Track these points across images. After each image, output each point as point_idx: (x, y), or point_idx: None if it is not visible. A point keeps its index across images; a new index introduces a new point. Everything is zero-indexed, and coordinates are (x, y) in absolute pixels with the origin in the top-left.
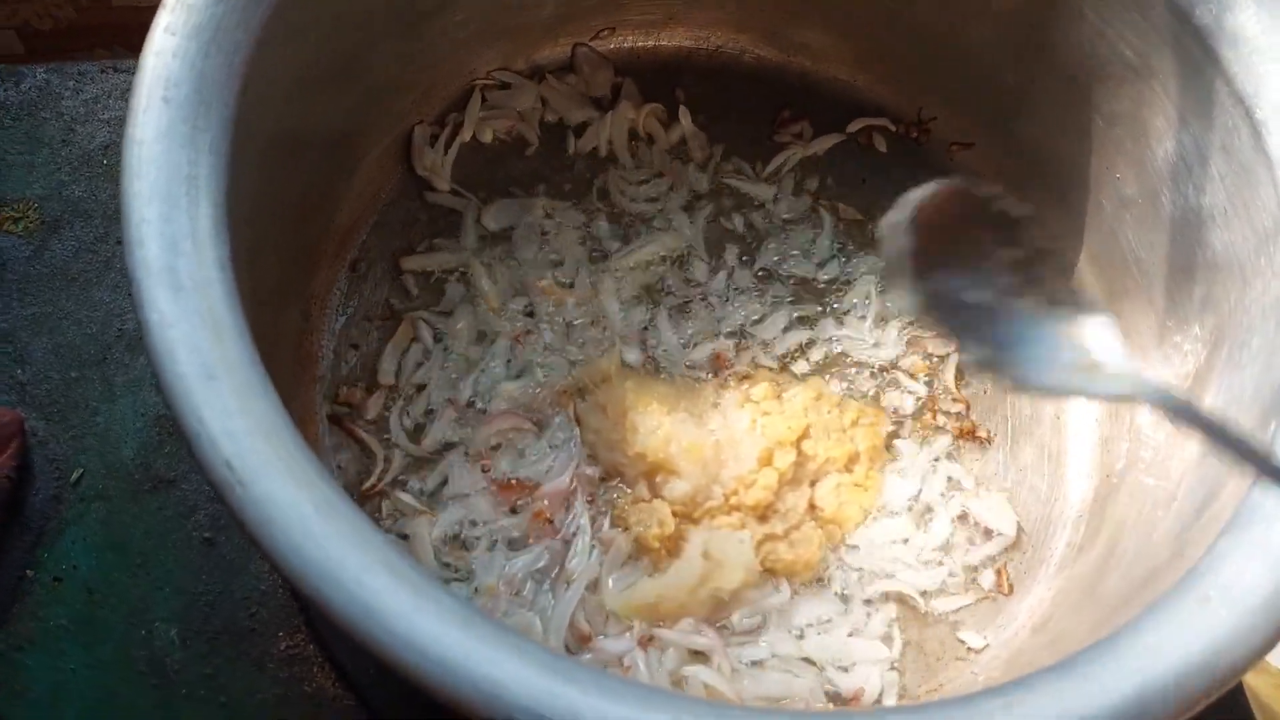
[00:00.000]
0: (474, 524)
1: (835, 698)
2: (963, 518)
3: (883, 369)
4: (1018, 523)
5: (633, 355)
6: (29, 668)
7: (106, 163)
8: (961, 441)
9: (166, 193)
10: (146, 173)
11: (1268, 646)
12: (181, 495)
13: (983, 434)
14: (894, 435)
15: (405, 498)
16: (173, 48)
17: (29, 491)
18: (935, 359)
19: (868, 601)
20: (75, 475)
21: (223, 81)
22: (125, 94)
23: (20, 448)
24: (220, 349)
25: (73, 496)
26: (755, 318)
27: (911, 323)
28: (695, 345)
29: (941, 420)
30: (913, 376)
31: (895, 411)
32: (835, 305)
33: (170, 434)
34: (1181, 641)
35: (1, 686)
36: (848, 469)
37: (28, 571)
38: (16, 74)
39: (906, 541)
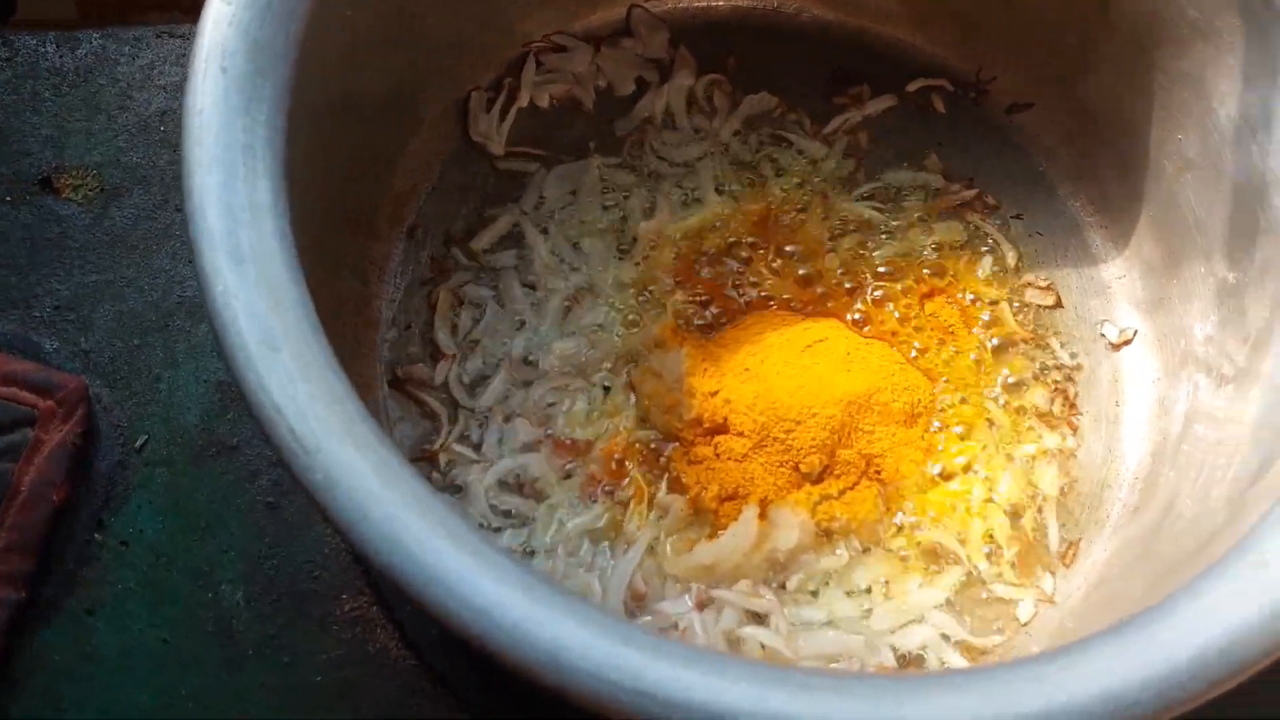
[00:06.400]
0: (529, 478)
1: (894, 659)
2: (1019, 484)
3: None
4: (1061, 486)
5: (688, 317)
6: (99, 630)
7: (164, 129)
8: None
9: (225, 161)
10: (205, 141)
11: None
12: (244, 460)
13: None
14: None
15: (461, 449)
16: (229, 16)
17: (95, 457)
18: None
19: (926, 564)
20: (140, 441)
21: (278, 49)
22: (181, 59)
23: (86, 414)
24: (281, 318)
25: (137, 462)
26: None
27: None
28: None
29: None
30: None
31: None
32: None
33: (232, 400)
34: (1238, 605)
35: (72, 648)
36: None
37: (95, 536)
38: (72, 40)
39: (966, 507)
